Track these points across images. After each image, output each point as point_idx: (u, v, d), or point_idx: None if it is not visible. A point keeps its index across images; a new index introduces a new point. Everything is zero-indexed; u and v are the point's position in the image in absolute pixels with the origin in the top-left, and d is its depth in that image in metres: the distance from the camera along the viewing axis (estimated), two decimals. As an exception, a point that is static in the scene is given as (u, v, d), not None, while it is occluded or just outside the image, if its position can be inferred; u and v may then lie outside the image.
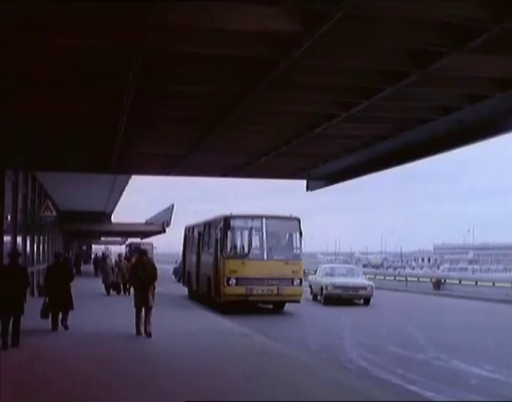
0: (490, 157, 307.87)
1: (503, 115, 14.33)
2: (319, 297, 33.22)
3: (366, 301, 31.88)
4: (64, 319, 17.47)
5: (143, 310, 16.91)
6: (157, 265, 18.13)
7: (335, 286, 31.76)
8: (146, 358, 13.85)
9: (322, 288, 32.53)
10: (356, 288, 32.00)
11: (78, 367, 12.00)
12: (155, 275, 17.23)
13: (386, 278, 53.52)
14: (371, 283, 33.41)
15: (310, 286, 35.06)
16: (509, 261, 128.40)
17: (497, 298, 34.25)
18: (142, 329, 16.80)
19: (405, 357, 15.50)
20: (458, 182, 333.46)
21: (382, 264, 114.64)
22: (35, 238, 30.61)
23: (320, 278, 33.98)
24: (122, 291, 31.14)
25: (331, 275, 33.97)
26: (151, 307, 16.93)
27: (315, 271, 36.53)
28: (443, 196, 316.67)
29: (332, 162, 20.15)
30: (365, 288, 32.12)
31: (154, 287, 17.29)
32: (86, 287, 31.84)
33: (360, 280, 33.51)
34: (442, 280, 44.92)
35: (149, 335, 16.57)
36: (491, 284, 40.66)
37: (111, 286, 32.27)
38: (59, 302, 17.29)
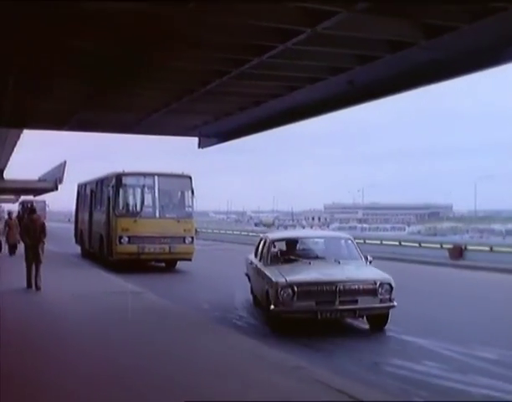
0: (379, 120, 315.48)
1: (393, 77, 14.66)
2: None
3: (378, 322, 13.17)
4: None
5: (33, 265, 17.45)
6: (50, 224, 18.23)
7: (303, 291, 12.63)
8: (35, 315, 13.71)
9: (268, 293, 13.23)
10: (353, 293, 12.72)
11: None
12: (44, 232, 17.73)
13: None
14: (386, 278, 12.97)
15: (248, 277, 16.53)
16: (396, 221, 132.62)
17: (384, 256, 35.16)
18: (33, 283, 17.35)
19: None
20: (348, 145, 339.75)
21: (273, 222, 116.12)
22: None
23: (266, 265, 14.38)
24: (11, 251, 29.97)
25: (291, 259, 14.26)
26: (41, 262, 17.50)
27: (258, 245, 15.86)
28: (334, 158, 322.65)
29: (224, 119, 20.20)
30: (373, 291, 12.72)
31: (43, 243, 17.80)
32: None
33: (361, 269, 13.87)
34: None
35: (39, 288, 17.18)
36: (379, 242, 41.69)
37: None
38: None
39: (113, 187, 25.68)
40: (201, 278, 24.47)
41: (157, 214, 25.57)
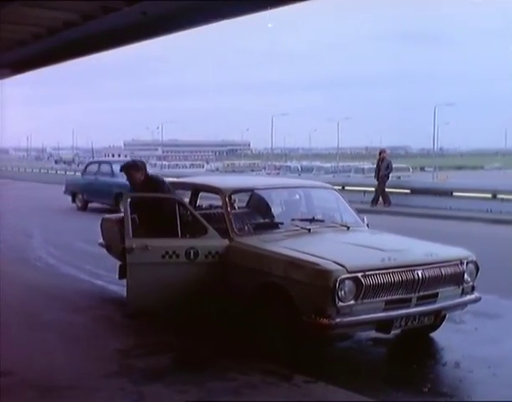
0: (182, 54, 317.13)
1: (184, 11, 14.90)
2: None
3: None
4: None
5: None
6: None
7: (372, 285, 7.16)
8: None
9: (287, 295, 7.34)
10: (435, 282, 7.62)
11: None
12: None
13: (77, 173, 53.34)
14: (469, 255, 8.09)
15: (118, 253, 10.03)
16: (195, 158, 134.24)
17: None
18: None
19: (92, 252, 14.07)
20: (143, 80, 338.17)
21: (74, 160, 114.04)
22: None
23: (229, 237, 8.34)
24: None
25: (270, 225, 9.02)
26: None
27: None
28: (131, 93, 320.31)
29: (18, 49, 19.70)
30: (458, 277, 7.89)
31: None
32: None
33: (405, 240, 8.82)
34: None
35: None
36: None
37: None
38: None
39: None
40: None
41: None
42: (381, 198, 26.08)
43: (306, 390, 6.55)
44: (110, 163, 25.26)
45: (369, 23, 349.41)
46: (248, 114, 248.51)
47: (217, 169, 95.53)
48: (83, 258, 13.86)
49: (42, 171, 58.27)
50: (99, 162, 27.01)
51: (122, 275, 9.88)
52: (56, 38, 17.80)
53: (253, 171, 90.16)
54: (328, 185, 10.63)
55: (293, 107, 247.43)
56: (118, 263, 10.39)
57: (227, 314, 8.42)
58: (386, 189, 26.37)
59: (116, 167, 22.24)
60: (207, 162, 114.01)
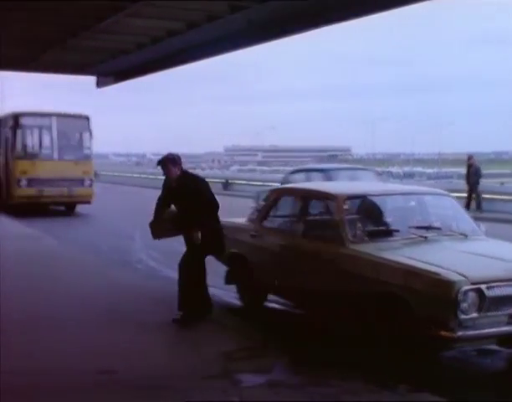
0: (278, 60, 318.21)
1: (289, 17, 14.75)
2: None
3: None
4: None
5: None
6: None
7: (496, 298, 7.03)
8: None
9: (408, 305, 7.17)
10: None
11: None
12: None
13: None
14: None
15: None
16: (296, 163, 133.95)
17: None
18: None
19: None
20: (245, 86, 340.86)
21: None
22: None
23: (345, 245, 8.31)
24: None
25: (385, 232, 8.73)
26: None
27: (271, 204, 10.37)
28: (231, 98, 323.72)
29: (121, 57, 19.98)
30: None
31: None
32: None
33: None
34: (230, 181, 46.40)
35: None
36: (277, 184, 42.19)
37: None
38: None
39: (11, 128, 25.25)
40: (100, 221, 24.48)
41: (56, 156, 25.41)
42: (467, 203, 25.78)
43: (409, 399, 6.43)
44: (325, 171, 18.56)
45: (467, 26, 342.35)
46: (349, 118, 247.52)
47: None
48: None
49: (142, 176, 59.23)
50: (308, 170, 20.67)
51: (229, 280, 10.17)
52: (159, 46, 17.93)
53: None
54: (444, 191, 10.28)
55: (392, 111, 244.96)
56: (225, 268, 10.51)
57: (334, 321, 8.33)
58: (487, 195, 26.76)
59: (334, 175, 17.86)
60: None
